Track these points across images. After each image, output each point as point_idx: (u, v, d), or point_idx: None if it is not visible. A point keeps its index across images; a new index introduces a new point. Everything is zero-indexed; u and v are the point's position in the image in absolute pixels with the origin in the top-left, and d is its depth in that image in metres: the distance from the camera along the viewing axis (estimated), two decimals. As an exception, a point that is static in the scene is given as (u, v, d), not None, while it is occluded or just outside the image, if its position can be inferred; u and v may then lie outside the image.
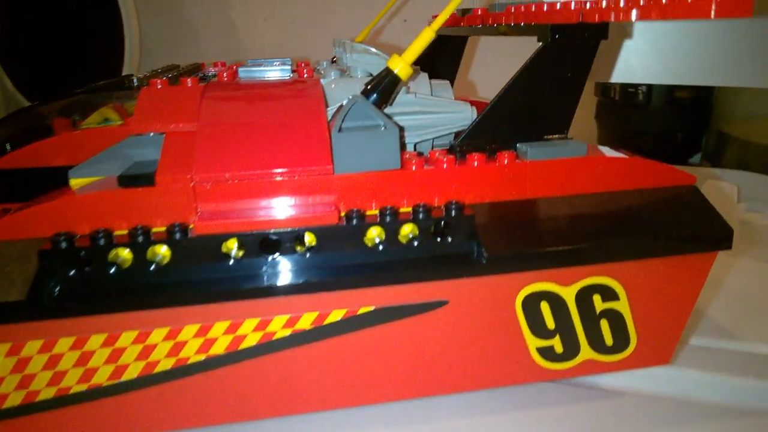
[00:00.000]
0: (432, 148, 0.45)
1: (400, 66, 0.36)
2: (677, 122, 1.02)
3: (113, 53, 0.96)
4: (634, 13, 0.30)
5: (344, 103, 0.37)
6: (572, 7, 0.34)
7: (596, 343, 0.39)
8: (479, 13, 0.47)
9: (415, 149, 0.42)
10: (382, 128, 0.36)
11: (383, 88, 0.36)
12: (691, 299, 0.40)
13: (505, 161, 0.38)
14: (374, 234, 0.35)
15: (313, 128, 0.37)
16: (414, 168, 0.37)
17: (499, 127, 0.40)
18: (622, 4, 0.32)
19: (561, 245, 0.36)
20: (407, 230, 0.36)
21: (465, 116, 0.42)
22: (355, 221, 0.35)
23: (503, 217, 0.37)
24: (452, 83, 0.70)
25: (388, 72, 0.36)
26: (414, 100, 0.41)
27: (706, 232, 0.38)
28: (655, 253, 0.37)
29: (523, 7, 0.41)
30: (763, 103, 1.00)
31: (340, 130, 0.35)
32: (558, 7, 0.36)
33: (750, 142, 0.94)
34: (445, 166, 0.37)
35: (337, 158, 0.36)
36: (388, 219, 0.35)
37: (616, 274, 0.38)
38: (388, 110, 0.40)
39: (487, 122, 0.39)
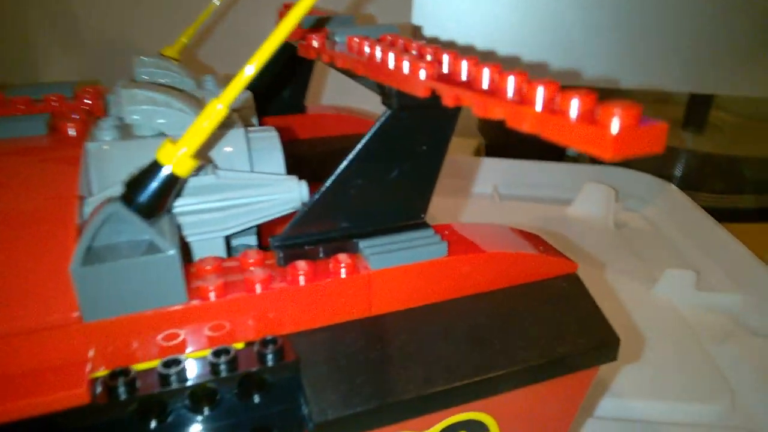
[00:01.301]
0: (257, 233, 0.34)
1: (176, 161, 0.24)
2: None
3: None
4: (498, 111, 0.20)
5: (100, 205, 0.25)
6: (422, 78, 0.24)
7: (464, 482, 0.31)
8: (315, 44, 0.35)
9: (228, 243, 0.31)
10: (154, 252, 0.24)
11: (154, 192, 0.24)
12: (571, 415, 0.33)
13: (342, 273, 0.28)
14: (148, 409, 0.24)
15: (48, 249, 0.24)
16: (212, 297, 0.26)
17: (336, 217, 0.30)
18: (485, 86, 0.22)
19: (417, 391, 0.27)
20: (200, 394, 0.25)
21: (292, 197, 0.31)
22: (119, 392, 0.24)
23: (339, 352, 0.28)
24: (305, 92, 0.59)
25: (157, 168, 0.24)
26: (215, 183, 0.29)
27: (590, 348, 0.30)
28: (532, 381, 0.30)
29: (367, 49, 0.31)
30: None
31: (85, 260, 0.24)
32: (405, 71, 0.25)
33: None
34: (258, 289, 0.27)
35: (86, 299, 0.24)
36: (171, 381, 0.24)
37: (484, 408, 0.30)
38: (179, 198, 0.29)
39: (320, 212, 0.29)
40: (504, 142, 0.99)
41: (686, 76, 0.80)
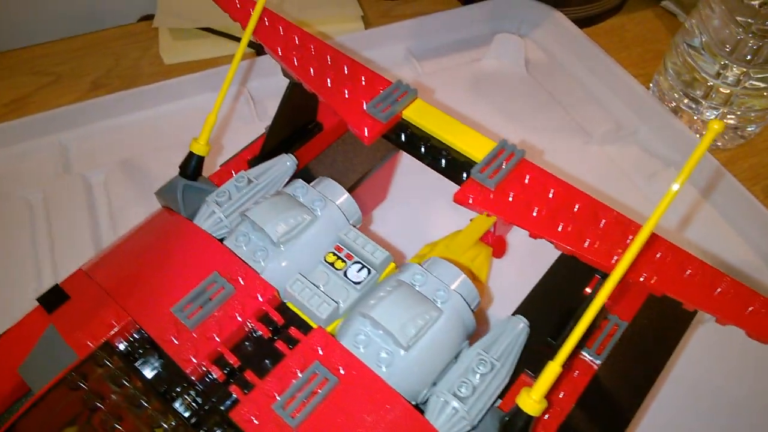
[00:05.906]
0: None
1: (530, 405, 0.34)
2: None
3: None
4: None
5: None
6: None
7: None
8: (471, 201, 0.43)
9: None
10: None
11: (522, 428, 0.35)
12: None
13: (576, 374, 0.43)
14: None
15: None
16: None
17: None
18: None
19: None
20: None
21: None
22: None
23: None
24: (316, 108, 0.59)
25: (519, 412, 0.35)
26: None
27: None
28: None
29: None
30: None
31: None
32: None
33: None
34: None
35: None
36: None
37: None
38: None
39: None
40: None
41: None
